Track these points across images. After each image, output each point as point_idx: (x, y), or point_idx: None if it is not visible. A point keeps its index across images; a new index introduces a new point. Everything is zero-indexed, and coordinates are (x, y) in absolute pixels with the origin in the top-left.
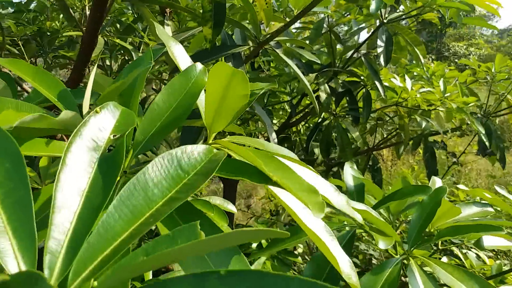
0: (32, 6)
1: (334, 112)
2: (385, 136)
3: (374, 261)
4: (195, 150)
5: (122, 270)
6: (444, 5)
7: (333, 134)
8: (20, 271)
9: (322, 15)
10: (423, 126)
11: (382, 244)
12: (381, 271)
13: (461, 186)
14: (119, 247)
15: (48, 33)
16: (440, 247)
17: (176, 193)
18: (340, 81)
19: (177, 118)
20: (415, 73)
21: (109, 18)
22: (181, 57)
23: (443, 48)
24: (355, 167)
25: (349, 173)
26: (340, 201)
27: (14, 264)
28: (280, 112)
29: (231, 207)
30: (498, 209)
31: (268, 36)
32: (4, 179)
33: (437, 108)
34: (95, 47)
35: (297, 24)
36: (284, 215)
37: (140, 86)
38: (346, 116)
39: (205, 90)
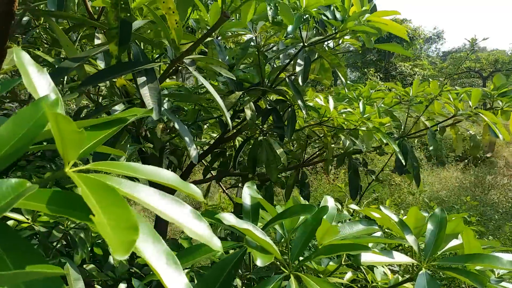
0: None
1: (263, 129)
2: (317, 152)
3: None
4: (4, 185)
5: None
6: (352, 29)
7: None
8: None
9: (248, 36)
10: (346, 145)
11: (259, 262)
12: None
13: (352, 206)
14: None
15: None
16: (343, 263)
17: None
18: (268, 100)
19: (21, 147)
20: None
21: (47, 26)
22: (41, 86)
23: (390, 68)
24: (254, 187)
25: (247, 193)
26: (199, 228)
27: None
28: None
29: None
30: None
31: (180, 54)
32: None
33: (357, 127)
34: (3, 59)
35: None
36: (220, 229)
37: None
38: (274, 133)
39: None
